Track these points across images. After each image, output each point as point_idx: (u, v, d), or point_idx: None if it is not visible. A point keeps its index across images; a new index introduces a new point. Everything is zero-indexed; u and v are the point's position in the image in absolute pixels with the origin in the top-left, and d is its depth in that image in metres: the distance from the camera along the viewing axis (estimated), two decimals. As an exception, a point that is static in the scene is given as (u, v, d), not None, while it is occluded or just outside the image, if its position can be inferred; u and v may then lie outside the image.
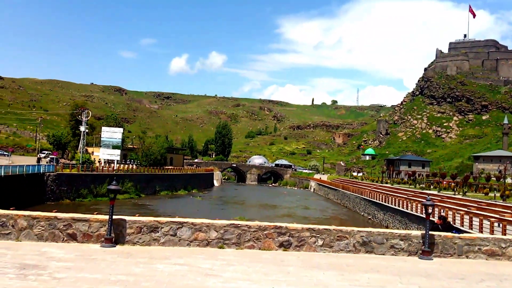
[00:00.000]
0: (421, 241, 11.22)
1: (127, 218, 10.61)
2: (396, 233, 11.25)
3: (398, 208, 50.72)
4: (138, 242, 10.53)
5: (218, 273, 8.45)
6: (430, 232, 11.15)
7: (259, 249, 10.81)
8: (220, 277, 8.18)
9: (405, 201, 49.90)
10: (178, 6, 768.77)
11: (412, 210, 46.33)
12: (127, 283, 7.35)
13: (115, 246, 10.21)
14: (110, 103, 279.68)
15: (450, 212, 36.40)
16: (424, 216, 39.92)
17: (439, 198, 52.76)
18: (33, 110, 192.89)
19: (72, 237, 10.34)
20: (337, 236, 11.05)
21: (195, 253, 10.11)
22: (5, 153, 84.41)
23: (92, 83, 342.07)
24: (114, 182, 10.74)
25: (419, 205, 45.52)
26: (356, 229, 11.28)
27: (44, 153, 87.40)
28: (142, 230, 10.57)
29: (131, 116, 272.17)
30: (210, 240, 10.70)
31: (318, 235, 11.03)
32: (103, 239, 10.27)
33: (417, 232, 11.49)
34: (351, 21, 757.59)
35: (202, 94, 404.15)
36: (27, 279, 7.18)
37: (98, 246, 10.12)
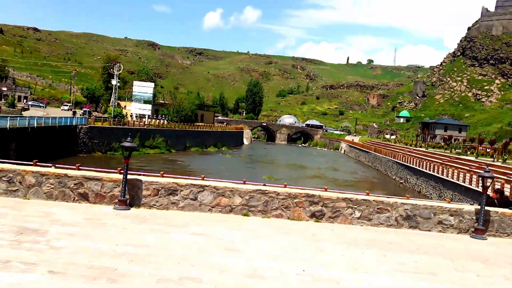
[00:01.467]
0: (474, 217, 9.80)
1: (143, 178, 9.61)
2: (445, 207, 9.82)
3: (432, 173, 48.84)
4: (155, 205, 9.56)
5: (241, 247, 7.37)
6: (486, 208, 9.70)
7: (288, 218, 9.65)
8: (243, 252, 7.10)
9: (440, 166, 47.89)
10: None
11: (448, 176, 44.42)
12: (133, 258, 6.34)
13: (129, 209, 9.27)
14: (144, 58, 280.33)
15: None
16: (462, 183, 38.16)
17: (477, 165, 50.44)
18: (68, 63, 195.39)
19: (84, 197, 9.45)
20: (377, 208, 9.75)
21: (217, 220, 9.07)
22: (40, 104, 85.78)
23: (126, 37, 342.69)
24: (129, 138, 9.67)
25: (455, 171, 43.61)
26: (399, 201, 9.94)
27: (66, 105, 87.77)
28: (160, 192, 9.57)
29: (164, 72, 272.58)
30: (234, 207, 9.62)
31: (356, 206, 9.75)
32: (116, 200, 9.33)
33: (470, 207, 10.04)
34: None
35: (235, 50, 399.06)
36: (20, 247, 6.29)
37: (111, 208, 9.19)
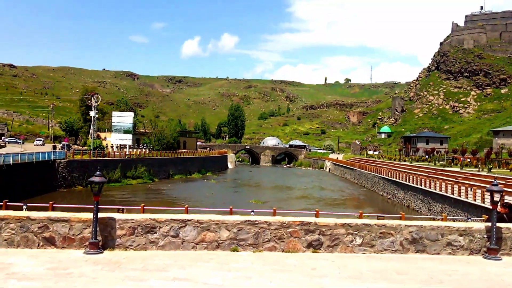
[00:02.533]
0: (485, 236, 8.92)
1: (117, 216, 8.51)
2: (453, 227, 8.91)
3: (420, 187, 48.41)
4: (132, 246, 8.43)
5: (231, 292, 6.32)
6: (497, 225, 8.84)
7: (282, 251, 8.62)
8: (232, 300, 6.07)
9: (427, 180, 47.50)
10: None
11: (436, 189, 44.00)
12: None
13: (102, 252, 8.13)
14: (123, 88, 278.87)
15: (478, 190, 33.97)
16: (450, 195, 37.63)
17: (463, 176, 50.27)
18: (46, 97, 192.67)
19: (50, 242, 8.29)
20: (380, 233, 8.81)
21: (202, 259, 7.99)
22: (18, 140, 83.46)
23: (104, 69, 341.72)
24: (98, 172, 8.61)
25: (442, 183, 43.23)
26: (403, 223, 9.01)
27: (40, 139, 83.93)
28: (136, 231, 8.47)
29: (144, 101, 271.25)
30: (221, 242, 8.52)
31: (356, 232, 8.79)
32: (87, 243, 8.20)
33: (479, 225, 9.15)
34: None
35: (214, 76, 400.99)
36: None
37: (81, 253, 8.05)
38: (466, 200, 36.05)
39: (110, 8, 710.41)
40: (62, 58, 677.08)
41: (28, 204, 15.88)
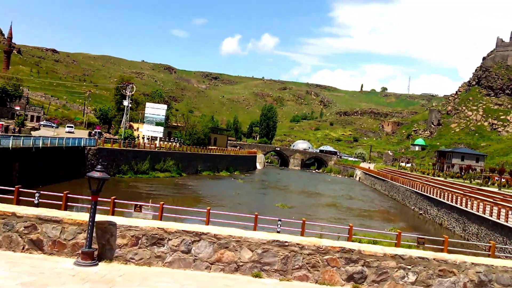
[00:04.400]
0: None
1: (118, 221, 7.04)
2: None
3: (455, 205, 45.72)
4: (133, 259, 6.92)
5: None
6: None
7: (316, 282, 6.93)
8: None
9: (463, 198, 44.75)
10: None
11: (472, 209, 41.32)
12: None
13: (96, 264, 6.66)
14: (159, 81, 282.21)
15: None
16: (489, 216, 34.97)
17: (501, 197, 47.25)
18: (84, 84, 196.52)
19: (37, 246, 6.89)
20: (439, 270, 7.05)
21: (217, 285, 6.47)
22: (52, 124, 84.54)
23: (143, 61, 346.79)
24: (99, 166, 7.20)
25: (480, 203, 40.52)
26: (468, 260, 7.23)
27: (71, 126, 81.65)
28: (140, 241, 6.99)
29: (179, 95, 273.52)
30: (242, 264, 6.90)
31: (409, 267, 7.04)
32: (80, 251, 6.79)
33: None
34: (408, 6, 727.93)
35: (250, 76, 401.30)
36: None
37: (71, 263, 6.61)
38: (506, 224, 33.35)
39: (153, 1, 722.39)
40: (104, 47, 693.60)
41: (41, 192, 14.72)
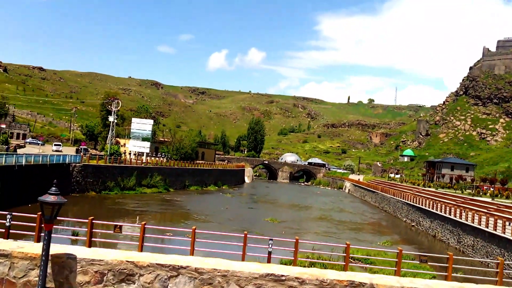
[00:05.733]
0: None
1: (79, 254, 6.08)
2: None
3: (448, 216, 45.25)
4: (98, 302, 6.05)
5: None
6: None
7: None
8: None
9: (457, 209, 44.34)
10: (218, 1, 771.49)
11: (467, 220, 40.87)
12: None
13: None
14: (147, 97, 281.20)
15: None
16: (485, 228, 34.54)
17: (495, 207, 46.94)
18: (70, 101, 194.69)
19: (-21, 286, 6.00)
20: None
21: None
22: (38, 142, 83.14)
23: (130, 77, 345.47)
24: (53, 188, 6.35)
25: (475, 214, 40.10)
26: None
27: (58, 144, 78.63)
28: (106, 278, 6.08)
29: (166, 110, 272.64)
30: (230, 305, 6.04)
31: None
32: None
33: None
34: (393, 18, 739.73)
35: (237, 90, 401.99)
36: None
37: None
38: (503, 235, 32.94)
39: (139, 18, 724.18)
40: (91, 64, 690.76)
41: (14, 214, 13.88)
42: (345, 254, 12.84)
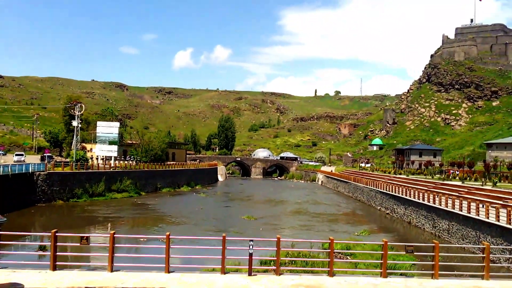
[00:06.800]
0: None
1: (27, 281, 5.11)
2: None
3: (422, 202, 45.61)
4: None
5: None
6: None
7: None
8: None
9: (430, 194, 44.74)
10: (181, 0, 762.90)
11: (441, 205, 41.28)
12: None
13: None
14: (111, 99, 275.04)
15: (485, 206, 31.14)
16: (458, 211, 34.81)
17: (466, 190, 47.71)
18: (32, 108, 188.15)
19: None
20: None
21: None
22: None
23: (93, 80, 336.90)
24: None
25: (449, 198, 40.51)
26: None
27: (20, 154, 71.66)
28: None
29: (133, 112, 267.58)
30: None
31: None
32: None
33: None
34: (354, 10, 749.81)
35: (204, 88, 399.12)
36: None
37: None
38: (477, 217, 33.27)
39: (100, 19, 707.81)
40: (51, 68, 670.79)
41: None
42: (329, 250, 12.21)
